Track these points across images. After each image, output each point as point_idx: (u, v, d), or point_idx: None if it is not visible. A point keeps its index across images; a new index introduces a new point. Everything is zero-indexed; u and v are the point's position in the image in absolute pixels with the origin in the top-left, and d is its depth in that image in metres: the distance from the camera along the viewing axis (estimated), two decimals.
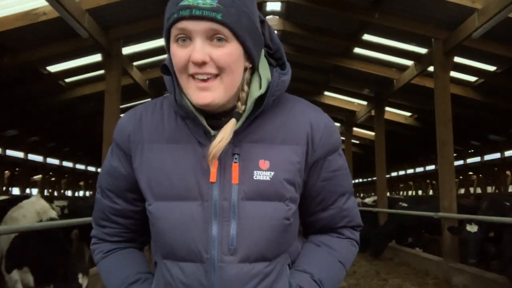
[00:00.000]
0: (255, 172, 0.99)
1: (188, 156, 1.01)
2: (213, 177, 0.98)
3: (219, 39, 0.93)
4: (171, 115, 1.06)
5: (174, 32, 0.94)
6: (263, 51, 1.05)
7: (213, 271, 0.97)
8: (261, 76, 1.02)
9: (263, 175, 0.99)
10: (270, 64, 1.05)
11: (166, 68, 1.03)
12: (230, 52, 0.94)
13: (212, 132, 0.99)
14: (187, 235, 0.98)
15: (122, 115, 1.20)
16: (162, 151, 1.03)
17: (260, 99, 1.00)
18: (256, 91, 1.00)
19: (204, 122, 0.99)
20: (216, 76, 0.94)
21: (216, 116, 1.01)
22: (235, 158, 1.00)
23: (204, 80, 0.94)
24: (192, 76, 0.94)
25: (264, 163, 1.00)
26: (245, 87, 1.02)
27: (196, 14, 0.90)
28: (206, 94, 0.94)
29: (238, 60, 0.96)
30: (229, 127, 0.97)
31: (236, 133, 0.99)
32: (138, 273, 1.11)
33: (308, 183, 1.07)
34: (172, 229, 0.99)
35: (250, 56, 0.99)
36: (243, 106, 1.00)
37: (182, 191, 1.00)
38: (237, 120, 0.99)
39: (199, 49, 0.92)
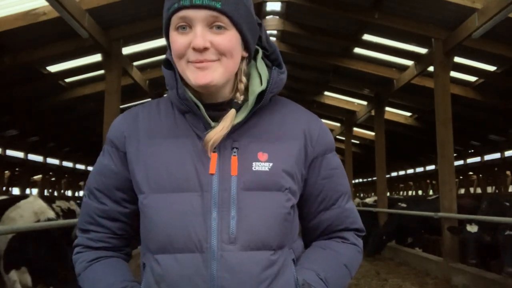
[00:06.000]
0: (253, 163, 1.01)
1: (187, 149, 1.02)
2: (212, 169, 1.00)
3: (219, 27, 0.96)
4: (169, 113, 1.08)
5: (174, 21, 0.97)
6: (260, 53, 1.09)
7: (212, 260, 0.95)
8: (261, 74, 1.06)
9: (261, 166, 1.01)
10: (267, 65, 1.09)
11: (168, 62, 1.04)
12: (229, 38, 0.98)
13: (212, 123, 1.02)
14: (187, 225, 0.97)
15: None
16: (161, 144, 1.04)
17: (259, 96, 1.04)
18: (257, 87, 1.04)
19: (205, 113, 1.01)
20: (215, 61, 0.97)
21: (216, 108, 1.03)
22: (234, 152, 1.01)
23: (202, 61, 0.96)
24: (192, 62, 0.97)
25: (262, 155, 1.02)
26: (243, 78, 1.05)
27: (196, 3, 0.94)
28: (205, 74, 0.97)
29: (237, 47, 1.00)
30: (230, 117, 1.01)
31: (235, 128, 1.02)
32: (124, 280, 1.06)
33: (309, 181, 1.09)
34: (171, 220, 0.98)
35: (246, 45, 1.03)
36: (242, 97, 1.04)
37: (181, 182, 0.99)
38: (236, 111, 1.02)
39: (200, 35, 0.95)
